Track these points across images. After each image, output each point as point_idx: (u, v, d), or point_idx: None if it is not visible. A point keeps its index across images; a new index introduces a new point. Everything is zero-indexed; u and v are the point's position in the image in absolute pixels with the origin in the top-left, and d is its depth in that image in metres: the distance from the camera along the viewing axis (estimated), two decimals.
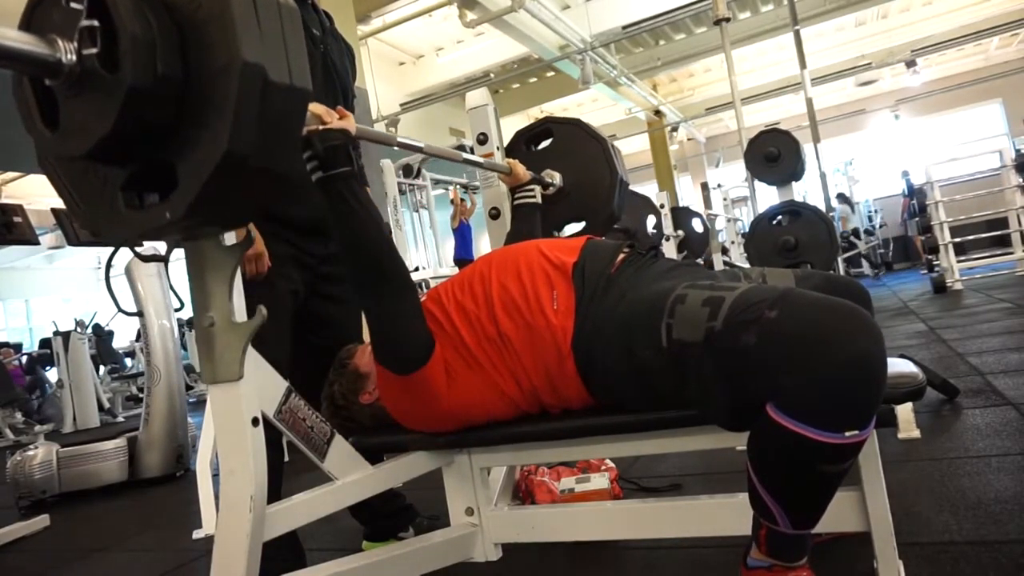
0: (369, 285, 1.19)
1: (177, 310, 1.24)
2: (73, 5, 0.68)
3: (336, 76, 1.64)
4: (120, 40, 0.69)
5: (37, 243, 2.71)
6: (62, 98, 0.74)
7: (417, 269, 5.30)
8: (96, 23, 0.68)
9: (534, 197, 1.80)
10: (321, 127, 1.15)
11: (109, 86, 0.69)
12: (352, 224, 1.17)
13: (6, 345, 9.05)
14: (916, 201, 6.42)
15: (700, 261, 6.22)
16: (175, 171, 0.74)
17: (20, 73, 0.76)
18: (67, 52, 0.69)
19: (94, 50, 0.68)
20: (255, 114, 0.71)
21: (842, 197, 10.67)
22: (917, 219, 10.46)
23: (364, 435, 1.33)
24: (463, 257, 6.13)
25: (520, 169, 1.78)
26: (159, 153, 0.75)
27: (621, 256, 1.24)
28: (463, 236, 6.34)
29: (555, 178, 1.90)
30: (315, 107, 1.16)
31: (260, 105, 0.71)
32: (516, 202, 1.81)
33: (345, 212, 1.17)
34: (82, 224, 0.83)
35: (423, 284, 4.76)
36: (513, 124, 11.71)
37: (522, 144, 1.97)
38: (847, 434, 0.87)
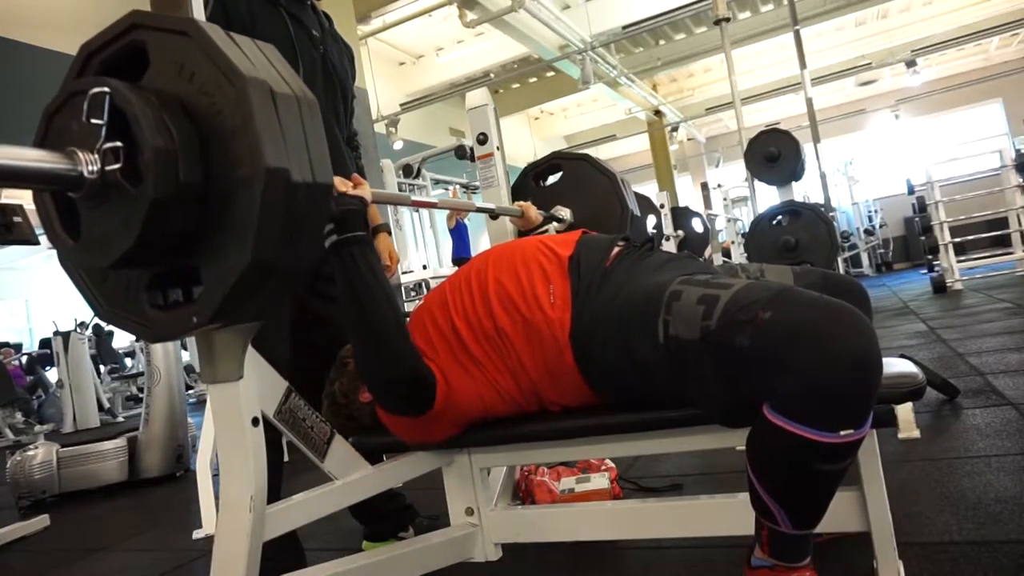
0: (372, 358, 1.16)
1: None
2: (94, 121, 0.67)
3: (336, 77, 1.64)
4: (143, 153, 0.67)
5: (37, 243, 2.69)
6: (83, 209, 0.72)
7: (415, 270, 5.30)
8: (120, 144, 0.66)
9: None
10: (336, 193, 1.13)
11: (131, 199, 0.68)
12: (362, 292, 1.13)
13: (6, 345, 9.04)
14: (916, 201, 6.40)
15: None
16: (199, 271, 0.73)
17: (42, 191, 0.74)
18: (88, 164, 0.67)
19: (117, 166, 0.67)
20: (279, 220, 0.69)
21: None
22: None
23: (364, 435, 1.33)
24: (462, 256, 6.14)
25: (532, 212, 1.78)
26: (183, 257, 0.73)
27: (616, 250, 1.23)
28: (460, 235, 6.35)
29: (565, 214, 1.89)
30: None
31: (284, 209, 0.69)
32: None
33: (356, 279, 1.13)
34: (106, 321, 0.82)
35: (423, 284, 4.76)
36: (513, 124, 11.75)
37: (531, 179, 1.96)
38: (842, 433, 0.87)
